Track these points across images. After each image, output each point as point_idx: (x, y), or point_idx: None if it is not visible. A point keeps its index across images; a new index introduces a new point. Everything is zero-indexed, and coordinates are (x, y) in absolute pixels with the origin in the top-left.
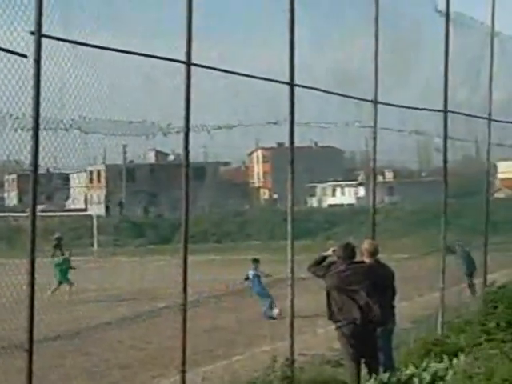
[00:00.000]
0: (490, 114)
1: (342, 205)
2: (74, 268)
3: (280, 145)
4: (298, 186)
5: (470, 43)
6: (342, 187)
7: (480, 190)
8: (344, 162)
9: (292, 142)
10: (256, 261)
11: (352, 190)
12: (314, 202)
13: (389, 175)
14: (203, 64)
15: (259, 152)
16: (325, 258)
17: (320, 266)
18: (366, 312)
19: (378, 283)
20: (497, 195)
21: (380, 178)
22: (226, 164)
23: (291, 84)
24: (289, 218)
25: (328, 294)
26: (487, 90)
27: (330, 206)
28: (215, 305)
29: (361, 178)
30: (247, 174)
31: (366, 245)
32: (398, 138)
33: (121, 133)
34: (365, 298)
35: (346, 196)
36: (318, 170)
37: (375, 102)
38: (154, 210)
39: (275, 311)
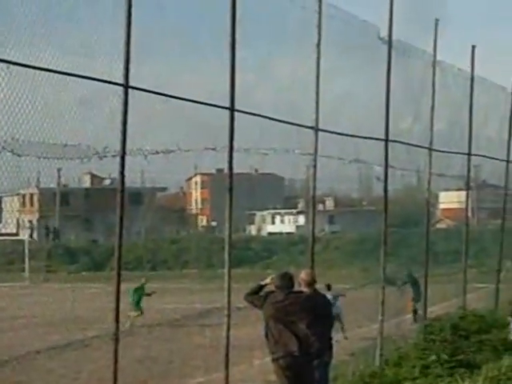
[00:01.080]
0: (431, 144)
1: (281, 233)
2: None
3: (219, 171)
4: (237, 213)
5: (413, 72)
6: (282, 215)
7: (421, 220)
8: (284, 189)
9: (231, 168)
10: None
11: (292, 218)
12: (252, 230)
13: (329, 203)
14: (141, 87)
15: (198, 178)
16: (262, 287)
17: (257, 295)
18: (303, 344)
19: (316, 314)
20: (438, 226)
21: (320, 207)
22: (164, 189)
23: (231, 109)
24: (226, 247)
25: (266, 325)
26: (429, 120)
27: (270, 234)
28: (149, 334)
29: (301, 206)
30: (185, 200)
31: (303, 275)
32: (339, 166)
33: (55, 156)
34: (303, 330)
35: (285, 224)
36: (258, 197)
37: (316, 129)
38: (89, 235)
39: None
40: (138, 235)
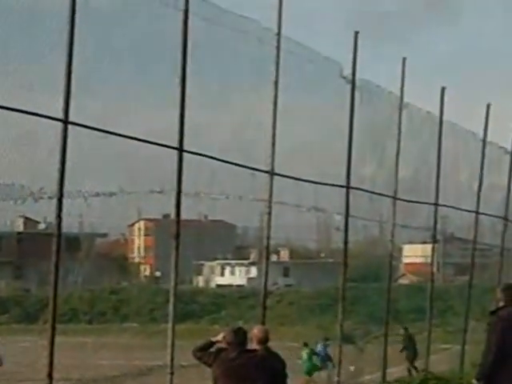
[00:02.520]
0: (395, 192)
1: (231, 285)
2: None
3: (165, 216)
4: (184, 262)
5: (377, 114)
6: (232, 266)
7: (382, 274)
8: (235, 238)
9: (178, 214)
10: None
11: (243, 269)
12: (200, 282)
13: (284, 254)
14: (82, 123)
15: (141, 223)
16: (213, 343)
17: (207, 351)
18: None
19: (271, 375)
20: (400, 281)
21: (274, 258)
22: (104, 235)
23: (180, 149)
24: (171, 298)
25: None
26: (393, 166)
27: (218, 286)
28: None
29: (253, 256)
30: (127, 247)
31: (256, 331)
32: (296, 215)
33: None
34: None
35: (236, 276)
36: (207, 246)
37: (271, 173)
38: (20, 283)
39: None
40: (74, 285)
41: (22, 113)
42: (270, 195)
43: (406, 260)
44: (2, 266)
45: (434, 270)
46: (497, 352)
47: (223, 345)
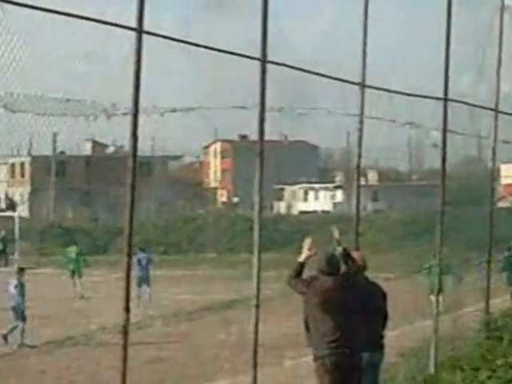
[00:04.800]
0: (497, 105)
1: (315, 211)
2: None
3: (243, 137)
4: (264, 187)
5: (476, 19)
6: (316, 190)
7: (482, 197)
8: (319, 160)
9: (262, 131)
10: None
11: (328, 193)
12: (281, 208)
13: (372, 177)
14: (158, 32)
15: (218, 145)
16: (303, 264)
17: (302, 279)
18: (353, 340)
19: (370, 306)
20: (500, 204)
21: (362, 181)
22: (177, 158)
23: (263, 60)
24: (256, 226)
25: (307, 316)
26: (494, 77)
27: (301, 212)
28: (161, 330)
29: (338, 179)
30: (202, 171)
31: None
32: (386, 133)
33: (55, 112)
34: (353, 324)
35: (320, 201)
36: (288, 168)
37: (363, 86)
38: (89, 212)
39: None
40: (146, 213)
41: (94, 21)
42: (361, 109)
43: (504, 181)
44: (68, 193)
45: None
46: None
47: (315, 271)
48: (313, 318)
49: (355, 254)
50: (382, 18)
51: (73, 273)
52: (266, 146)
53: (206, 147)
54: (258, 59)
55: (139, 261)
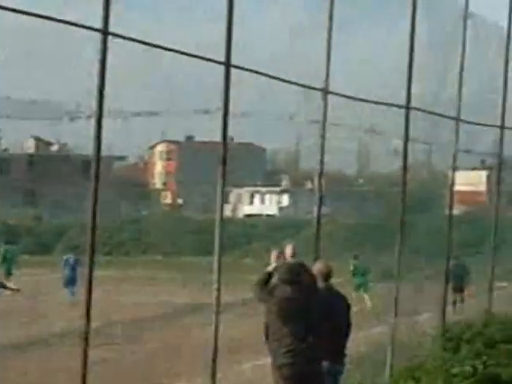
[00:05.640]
0: (458, 114)
1: (260, 215)
2: None
3: (188, 138)
4: (208, 190)
5: (440, 26)
6: (262, 194)
7: (434, 203)
8: (266, 162)
9: (225, 136)
10: None
11: (274, 197)
12: (227, 211)
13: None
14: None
15: (163, 146)
16: (271, 274)
17: (265, 287)
18: (314, 350)
19: (331, 315)
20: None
21: (309, 185)
22: (122, 158)
23: (227, 64)
24: (217, 230)
25: (267, 324)
26: (456, 85)
27: (247, 215)
28: (107, 331)
29: (285, 183)
30: (147, 172)
31: (320, 266)
32: (335, 139)
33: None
34: (313, 332)
35: (266, 205)
36: (234, 171)
37: (326, 92)
38: (32, 211)
39: None
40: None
41: (60, 22)
42: (324, 115)
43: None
44: (11, 191)
45: (487, 199)
46: None
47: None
48: (273, 326)
49: (320, 263)
50: (346, 25)
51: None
52: (212, 148)
53: (152, 148)
54: (222, 63)
55: (66, 261)
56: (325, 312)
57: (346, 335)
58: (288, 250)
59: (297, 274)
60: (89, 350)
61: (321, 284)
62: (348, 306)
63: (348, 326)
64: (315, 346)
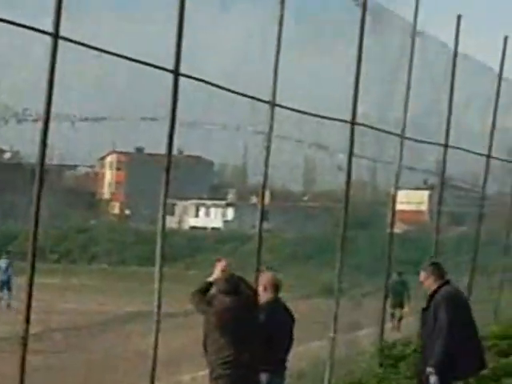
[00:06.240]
0: (403, 131)
1: (205, 228)
2: None
3: (139, 150)
4: (154, 201)
5: (389, 43)
6: (208, 207)
7: (375, 221)
8: (213, 176)
9: (170, 145)
10: None
11: (219, 210)
12: (172, 223)
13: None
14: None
15: (113, 156)
16: (211, 284)
17: (204, 297)
18: (250, 361)
19: (272, 328)
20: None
21: (254, 200)
22: (73, 168)
23: (176, 73)
24: (159, 240)
25: (206, 336)
26: (402, 102)
27: (192, 228)
28: (55, 339)
29: (230, 197)
30: (97, 182)
31: (270, 278)
32: (279, 153)
33: None
34: (252, 344)
35: (211, 217)
36: (181, 183)
37: (273, 104)
38: None
39: None
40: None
41: (6, 23)
42: (271, 127)
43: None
44: None
45: (429, 218)
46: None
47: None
48: (211, 337)
49: (268, 274)
50: (296, 39)
51: None
52: (161, 160)
53: (102, 158)
54: (171, 71)
55: None
56: (268, 324)
57: (288, 349)
58: (220, 265)
59: (236, 285)
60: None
61: (269, 295)
62: (293, 320)
63: (291, 339)
64: (254, 357)
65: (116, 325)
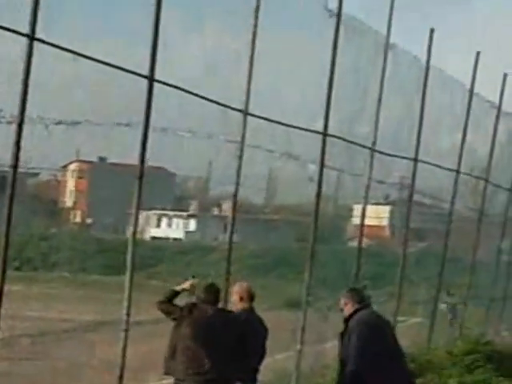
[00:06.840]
0: (374, 144)
1: (167, 238)
2: None
3: (102, 159)
4: (116, 210)
5: (361, 56)
6: (170, 217)
7: (335, 235)
8: (175, 187)
9: (144, 150)
10: None
11: (181, 221)
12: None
13: (227, 207)
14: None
15: (75, 165)
16: (177, 293)
17: (174, 304)
18: (221, 371)
19: (245, 339)
20: (351, 244)
21: (216, 211)
22: (35, 175)
23: (150, 79)
24: (130, 248)
25: (175, 344)
26: (373, 114)
27: (153, 238)
28: (13, 348)
29: (192, 208)
30: (59, 190)
31: (245, 286)
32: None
33: None
34: (224, 354)
35: (172, 228)
36: (143, 194)
37: (245, 113)
38: None
39: None
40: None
41: None
42: (243, 136)
43: (356, 221)
44: None
45: (390, 233)
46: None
47: (194, 300)
48: (183, 345)
49: (243, 284)
50: (269, 49)
51: None
52: (124, 170)
53: (65, 166)
54: (146, 77)
55: None
56: (242, 334)
57: (260, 359)
58: (191, 281)
59: (217, 294)
60: None
61: (245, 305)
62: (266, 330)
63: (264, 349)
64: (228, 367)
65: (80, 333)
